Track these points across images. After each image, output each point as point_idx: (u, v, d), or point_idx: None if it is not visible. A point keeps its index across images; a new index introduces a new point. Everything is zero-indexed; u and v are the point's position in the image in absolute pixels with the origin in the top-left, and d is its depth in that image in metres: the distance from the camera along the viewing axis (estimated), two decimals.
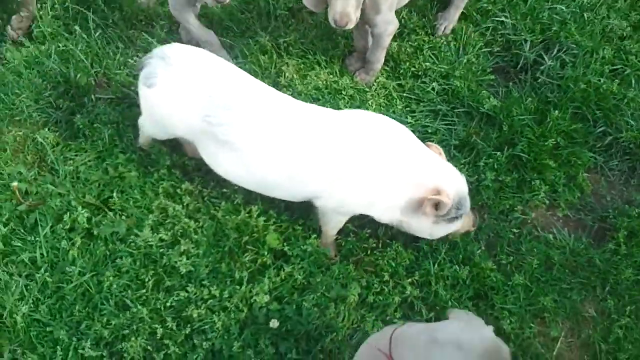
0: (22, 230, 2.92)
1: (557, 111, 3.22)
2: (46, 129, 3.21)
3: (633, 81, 3.39)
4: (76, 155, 3.16)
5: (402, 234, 2.87)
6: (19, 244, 2.86)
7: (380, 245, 2.88)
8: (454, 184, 2.56)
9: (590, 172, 3.21)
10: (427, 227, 2.67)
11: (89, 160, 3.15)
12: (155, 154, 3.09)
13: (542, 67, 3.41)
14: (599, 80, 3.32)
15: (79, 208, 2.88)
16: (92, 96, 3.28)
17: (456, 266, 2.80)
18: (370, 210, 2.64)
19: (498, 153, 3.11)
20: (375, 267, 2.83)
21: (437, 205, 2.51)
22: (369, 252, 2.86)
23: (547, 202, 3.08)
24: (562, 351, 2.67)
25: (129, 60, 3.45)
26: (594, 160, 3.21)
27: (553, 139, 3.14)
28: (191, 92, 2.55)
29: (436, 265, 2.81)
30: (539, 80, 3.39)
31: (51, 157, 3.13)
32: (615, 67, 3.44)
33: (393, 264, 2.79)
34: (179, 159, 3.10)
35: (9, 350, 2.63)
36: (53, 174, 3.12)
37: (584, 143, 3.23)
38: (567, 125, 3.22)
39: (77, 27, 3.49)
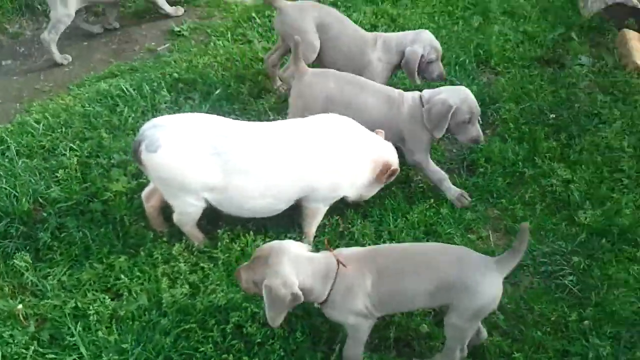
0: (44, 347, 2.93)
1: None
2: (11, 260, 3.25)
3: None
4: (52, 270, 3.26)
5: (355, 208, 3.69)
6: (53, 356, 2.87)
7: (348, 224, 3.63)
8: (394, 157, 3.52)
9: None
10: (373, 192, 3.61)
11: (68, 269, 3.28)
12: (133, 235, 3.38)
13: None
14: None
15: (100, 298, 3.04)
16: (45, 213, 3.42)
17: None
18: (349, 190, 3.42)
19: None
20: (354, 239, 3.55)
21: (390, 174, 3.45)
22: (345, 233, 3.57)
23: None
24: (496, 243, 3.69)
25: (54, 177, 3.69)
26: None
27: None
28: (193, 138, 3.06)
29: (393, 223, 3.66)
30: None
31: (30, 279, 3.19)
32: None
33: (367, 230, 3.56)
34: (155, 234, 3.43)
35: None
36: (37, 294, 3.17)
37: None
38: None
39: None
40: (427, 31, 4.35)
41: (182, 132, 3.11)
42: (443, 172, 3.87)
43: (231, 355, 2.91)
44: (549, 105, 4.57)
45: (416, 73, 4.24)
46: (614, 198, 3.80)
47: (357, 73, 4.02)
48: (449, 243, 3.54)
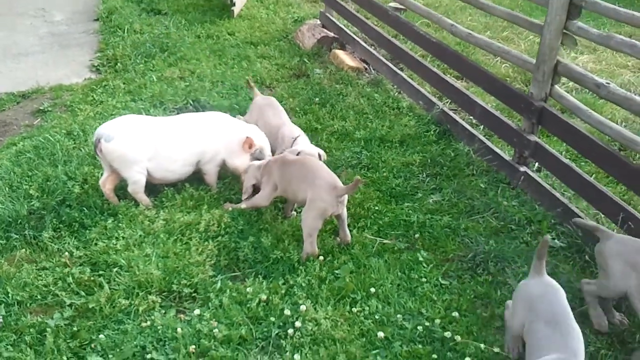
0: (93, 271, 4.43)
1: None
2: (35, 240, 4.66)
3: None
4: (65, 239, 4.73)
5: None
6: (102, 272, 4.41)
7: None
8: (255, 134, 5.56)
9: None
10: (245, 161, 5.55)
11: (75, 238, 4.77)
12: (106, 210, 5.02)
13: None
14: None
15: (115, 236, 4.67)
16: (39, 213, 4.86)
17: None
18: (228, 155, 5.41)
19: None
20: None
21: (250, 145, 5.59)
22: None
23: None
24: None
25: (27, 196, 5.09)
26: None
27: None
28: (133, 127, 4.93)
29: None
30: None
31: (55, 246, 4.63)
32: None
33: None
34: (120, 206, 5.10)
35: None
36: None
37: None
38: None
39: None
40: None
41: (124, 125, 4.99)
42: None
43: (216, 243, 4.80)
44: (312, 95, 7.30)
45: None
46: (369, 125, 6.58)
47: None
48: None
